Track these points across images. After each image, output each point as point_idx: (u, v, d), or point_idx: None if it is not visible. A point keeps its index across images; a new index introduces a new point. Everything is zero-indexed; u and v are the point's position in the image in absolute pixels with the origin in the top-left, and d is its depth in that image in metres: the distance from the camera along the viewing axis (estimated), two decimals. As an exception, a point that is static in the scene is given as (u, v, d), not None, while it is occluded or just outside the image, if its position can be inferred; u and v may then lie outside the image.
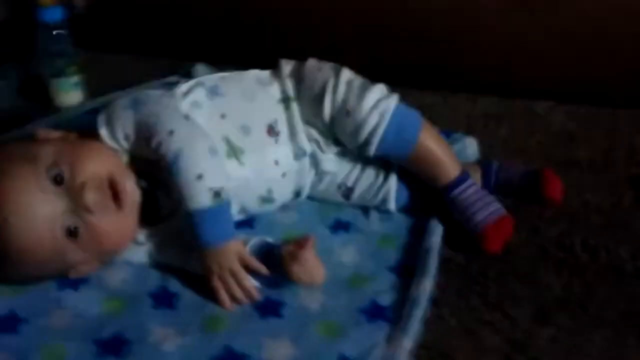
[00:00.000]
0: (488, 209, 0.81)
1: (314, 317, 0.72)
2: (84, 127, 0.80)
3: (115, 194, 0.72)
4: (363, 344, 0.68)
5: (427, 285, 0.74)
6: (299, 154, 0.84)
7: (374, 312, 0.72)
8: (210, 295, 0.73)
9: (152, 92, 0.81)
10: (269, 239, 0.77)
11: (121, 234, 0.74)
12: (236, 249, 0.73)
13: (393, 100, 0.82)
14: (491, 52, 1.18)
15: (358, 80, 0.84)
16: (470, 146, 0.99)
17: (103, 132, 0.76)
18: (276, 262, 0.73)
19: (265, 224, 0.85)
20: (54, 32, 1.08)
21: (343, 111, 0.81)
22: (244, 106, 0.83)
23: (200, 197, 0.71)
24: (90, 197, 0.70)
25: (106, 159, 0.74)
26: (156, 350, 0.68)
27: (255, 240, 0.76)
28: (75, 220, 0.70)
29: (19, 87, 1.17)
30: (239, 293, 0.72)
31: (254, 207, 0.83)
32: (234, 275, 0.72)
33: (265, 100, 0.84)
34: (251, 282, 0.73)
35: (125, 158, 0.77)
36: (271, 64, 0.89)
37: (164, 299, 0.74)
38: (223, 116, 0.81)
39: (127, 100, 0.77)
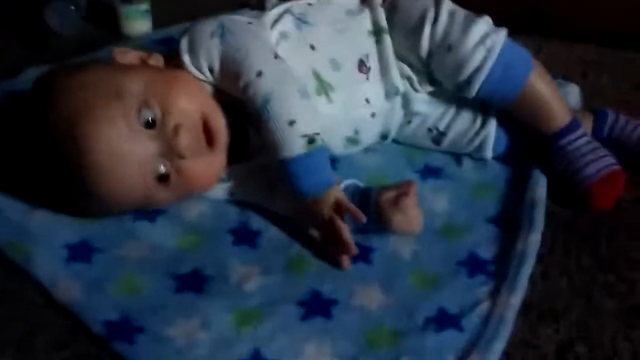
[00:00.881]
0: (600, 163, 0.73)
1: (407, 265, 0.66)
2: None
3: (208, 135, 0.66)
4: (464, 298, 0.62)
5: (534, 240, 0.67)
6: (390, 93, 0.76)
7: (473, 265, 0.66)
8: (295, 234, 0.68)
9: (240, 18, 0.73)
10: (360, 183, 0.71)
11: (211, 175, 0.69)
12: (334, 196, 0.66)
13: (501, 35, 0.73)
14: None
15: (461, 11, 0.75)
16: (573, 94, 0.89)
17: (186, 59, 0.69)
18: (370, 208, 0.66)
19: (347, 166, 0.78)
20: (126, -45, 1.02)
21: (444, 45, 0.73)
22: (334, 38, 0.76)
23: (293, 145, 0.65)
24: (184, 142, 0.64)
25: (197, 94, 0.68)
26: (237, 289, 0.63)
27: (347, 183, 0.70)
28: (166, 164, 0.65)
29: (87, 14, 1.11)
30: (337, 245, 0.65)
31: (338, 148, 0.77)
32: (332, 224, 0.65)
33: (356, 32, 0.77)
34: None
35: (209, 89, 0.71)
36: None
37: (245, 236, 0.69)
38: (312, 47, 0.74)
39: (212, 25, 0.70)
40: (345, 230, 0.64)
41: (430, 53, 0.74)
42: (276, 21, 0.74)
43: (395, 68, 0.76)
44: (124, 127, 0.63)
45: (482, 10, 0.77)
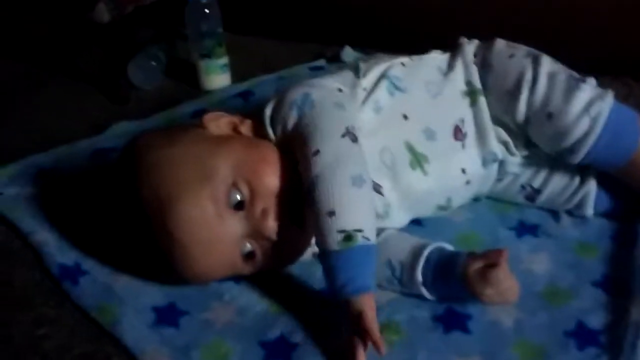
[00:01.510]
0: None
1: (509, 335, 0.61)
2: (233, 112, 0.73)
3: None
4: (576, 374, 0.57)
5: (651, 308, 0.61)
6: (487, 160, 0.72)
7: (583, 336, 0.60)
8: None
9: (330, 85, 0.69)
10: (448, 246, 0.67)
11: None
12: (360, 308, 0.58)
13: (608, 101, 0.68)
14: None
15: (563, 73, 0.70)
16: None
17: (268, 129, 0.67)
18: (458, 278, 0.62)
19: (434, 222, 0.74)
20: (205, 11, 1.04)
21: (544, 112, 0.68)
22: (428, 104, 0.72)
23: (328, 238, 0.59)
24: (272, 227, 0.63)
25: (284, 169, 0.65)
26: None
27: (432, 248, 0.66)
28: (253, 244, 0.64)
29: (167, 69, 1.14)
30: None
31: (426, 213, 0.73)
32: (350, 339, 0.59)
33: (450, 95, 0.73)
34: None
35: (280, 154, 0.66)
36: (422, 48, 0.78)
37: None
38: (405, 117, 0.70)
39: (297, 94, 0.67)
40: (361, 355, 0.58)
41: (527, 119, 0.70)
42: (372, 90, 0.71)
43: (492, 132, 0.71)
44: (213, 210, 0.62)
45: (574, 60, 0.73)
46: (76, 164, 0.89)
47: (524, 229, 0.74)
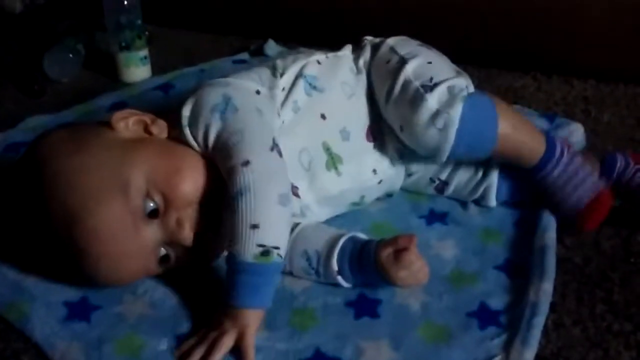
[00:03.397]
0: (582, 188, 0.71)
1: (416, 318, 0.64)
2: (152, 105, 0.72)
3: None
4: (476, 353, 0.60)
5: (546, 289, 0.65)
6: (394, 159, 0.75)
7: (485, 316, 0.64)
8: (299, 287, 0.66)
9: (249, 86, 0.69)
10: (362, 235, 0.69)
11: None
12: (247, 322, 0.59)
13: (456, 108, 0.67)
14: (587, 32, 1.06)
15: (418, 81, 0.69)
16: (576, 132, 0.88)
17: (186, 130, 0.65)
18: (371, 264, 0.64)
19: (351, 212, 0.76)
20: (124, 2, 1.03)
21: (396, 124, 0.71)
22: (343, 104, 0.73)
23: (246, 249, 0.59)
24: (187, 235, 0.62)
25: (199, 177, 0.64)
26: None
27: (347, 237, 0.67)
28: (168, 249, 0.63)
29: (85, 61, 1.11)
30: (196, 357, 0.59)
31: (340, 210, 0.75)
32: (217, 340, 0.60)
33: (361, 96, 0.75)
34: None
35: (198, 158, 0.65)
36: (344, 43, 0.79)
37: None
38: (324, 117, 0.71)
39: (217, 97, 0.65)
40: (220, 357, 0.59)
41: (390, 127, 0.73)
42: (290, 90, 0.71)
43: (392, 133, 0.73)
44: (128, 223, 0.61)
45: (478, 49, 0.75)
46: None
47: (434, 217, 0.77)
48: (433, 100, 0.68)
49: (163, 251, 0.63)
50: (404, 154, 0.75)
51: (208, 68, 1.08)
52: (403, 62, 0.72)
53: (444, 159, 0.70)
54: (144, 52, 1.07)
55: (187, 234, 0.62)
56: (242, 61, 1.11)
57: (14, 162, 0.75)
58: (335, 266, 0.66)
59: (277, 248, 0.60)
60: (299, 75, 0.72)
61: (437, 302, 0.65)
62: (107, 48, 1.09)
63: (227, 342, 0.59)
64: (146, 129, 0.67)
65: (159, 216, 0.62)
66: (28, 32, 1.13)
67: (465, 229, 0.75)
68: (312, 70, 0.73)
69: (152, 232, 0.62)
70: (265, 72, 0.72)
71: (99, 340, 0.61)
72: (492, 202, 0.77)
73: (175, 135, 0.66)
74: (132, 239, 0.61)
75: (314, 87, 0.72)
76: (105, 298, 0.65)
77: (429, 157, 0.71)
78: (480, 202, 0.78)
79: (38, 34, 1.12)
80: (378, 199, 0.78)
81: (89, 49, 1.13)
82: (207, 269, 0.68)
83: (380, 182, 0.74)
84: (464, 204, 0.79)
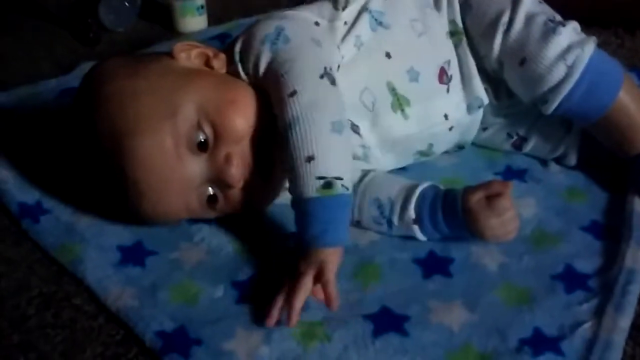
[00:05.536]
0: None
1: (494, 279, 0.58)
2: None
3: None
4: (563, 318, 0.54)
5: (644, 255, 0.58)
6: (473, 106, 0.68)
7: (571, 280, 0.58)
8: (362, 239, 0.61)
9: (306, 16, 0.64)
10: (439, 185, 0.63)
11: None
12: (324, 259, 0.55)
13: (588, 49, 0.62)
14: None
15: (543, 15, 0.64)
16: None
17: (238, 64, 0.62)
18: (457, 210, 0.59)
19: (418, 166, 0.71)
20: (182, -53, 0.98)
21: (517, 57, 0.64)
22: (412, 42, 0.67)
23: (306, 184, 0.55)
24: (236, 173, 0.58)
25: (252, 112, 0.60)
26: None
27: (424, 186, 0.62)
28: (215, 190, 0.60)
29: (141, 11, 1.08)
30: (279, 303, 0.55)
31: (406, 160, 0.70)
32: (297, 281, 0.55)
33: (436, 34, 0.68)
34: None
35: (252, 93, 0.61)
36: None
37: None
38: (388, 55, 0.65)
39: (269, 27, 0.61)
40: (300, 299, 0.54)
41: (501, 63, 0.65)
42: (353, 23, 0.66)
43: (478, 77, 0.67)
44: (172, 149, 0.57)
45: (560, 6, 0.68)
46: (40, 103, 0.84)
47: (511, 174, 0.70)
48: (566, 35, 0.63)
49: (210, 190, 0.59)
50: (489, 100, 0.68)
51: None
52: None
53: (554, 105, 0.63)
54: (201, 1, 1.03)
55: (235, 172, 0.58)
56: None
57: (69, 106, 0.73)
58: (412, 213, 0.61)
59: (339, 179, 0.55)
60: (363, 9, 0.67)
61: (516, 263, 0.60)
62: (162, -1, 1.06)
63: (306, 283, 0.55)
64: (207, 63, 0.63)
65: (208, 149, 0.58)
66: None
67: (546, 187, 0.68)
68: (377, 4, 0.67)
69: (198, 166, 0.58)
70: (326, 5, 0.67)
71: (153, 285, 0.58)
72: (573, 161, 0.70)
73: (233, 71, 0.63)
74: (176, 169, 0.57)
75: (380, 23, 0.66)
76: (161, 243, 0.62)
77: (536, 103, 0.65)
78: (560, 160, 0.71)
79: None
80: (447, 153, 0.72)
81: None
82: (265, 215, 0.64)
83: (451, 128, 0.68)
84: (543, 162, 0.72)
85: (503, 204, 0.57)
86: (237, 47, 0.62)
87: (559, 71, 0.62)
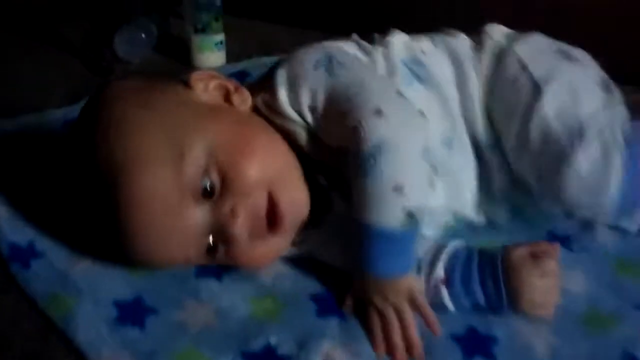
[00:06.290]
0: None
1: (542, 364, 0.51)
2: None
3: (272, 215, 0.53)
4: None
5: None
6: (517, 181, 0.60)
7: (632, 369, 0.50)
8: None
9: (348, 49, 0.59)
10: (468, 246, 0.56)
11: (266, 260, 0.56)
12: (410, 285, 0.53)
13: (613, 166, 0.54)
14: None
15: (560, 129, 0.55)
16: None
17: (282, 97, 0.55)
18: (495, 266, 0.53)
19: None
20: (204, -19, 0.94)
21: (532, 176, 0.57)
22: (451, 100, 0.60)
23: (389, 215, 0.50)
24: (240, 228, 0.52)
25: (273, 158, 0.54)
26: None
27: (457, 244, 0.56)
28: (216, 240, 0.53)
29: (157, 44, 1.04)
30: (399, 341, 0.52)
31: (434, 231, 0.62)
32: (399, 315, 0.52)
33: (475, 91, 0.60)
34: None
35: (303, 135, 0.56)
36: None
37: (332, 305, 0.55)
38: (422, 114, 0.57)
39: (316, 54, 0.56)
40: (414, 328, 0.52)
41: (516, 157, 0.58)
42: (389, 72, 0.60)
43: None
44: (174, 195, 0.51)
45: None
46: (44, 133, 0.78)
47: (555, 241, 0.63)
48: (584, 161, 0.54)
49: (210, 240, 0.53)
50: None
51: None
52: (538, 92, 0.57)
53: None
54: (220, 37, 0.99)
55: (239, 227, 0.52)
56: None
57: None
58: (441, 272, 0.54)
59: (420, 207, 0.51)
60: (399, 61, 0.61)
61: (568, 346, 0.52)
62: (180, 33, 1.01)
63: (410, 319, 0.52)
64: (227, 97, 0.57)
65: (213, 197, 0.52)
66: (100, 8, 1.06)
67: (594, 258, 0.61)
68: (411, 54, 0.62)
69: (200, 215, 0.52)
70: (359, 52, 0.61)
71: (153, 352, 0.51)
72: (634, 225, 0.61)
73: (265, 107, 0.56)
74: (175, 217, 0.51)
75: (417, 77, 0.60)
76: (163, 300, 0.55)
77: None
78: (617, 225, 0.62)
79: (110, 10, 1.06)
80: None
81: (162, 32, 1.06)
82: (279, 268, 0.58)
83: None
84: (587, 227, 0.65)
85: (549, 264, 0.51)
86: (280, 76, 0.56)
87: (582, 198, 0.56)
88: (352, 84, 0.53)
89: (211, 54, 0.99)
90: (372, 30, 1.03)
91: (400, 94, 0.55)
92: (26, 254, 0.59)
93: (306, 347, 0.51)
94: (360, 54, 0.60)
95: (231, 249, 0.53)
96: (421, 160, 0.51)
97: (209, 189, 0.51)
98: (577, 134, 0.55)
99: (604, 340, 0.53)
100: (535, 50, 0.61)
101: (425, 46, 0.63)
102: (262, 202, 0.53)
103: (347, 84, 0.53)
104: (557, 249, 0.53)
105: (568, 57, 0.61)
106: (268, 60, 0.98)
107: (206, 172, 0.51)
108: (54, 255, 0.59)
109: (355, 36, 0.63)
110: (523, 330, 0.53)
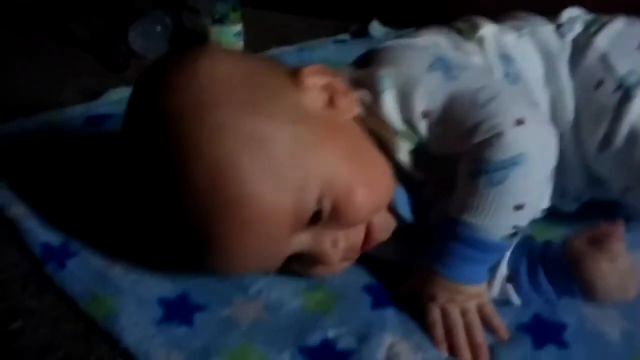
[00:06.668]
0: None
1: (617, 349, 0.48)
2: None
3: (364, 243, 0.51)
4: None
5: None
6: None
7: None
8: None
9: (458, 54, 0.54)
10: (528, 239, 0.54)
11: (342, 269, 0.53)
12: (481, 292, 0.51)
13: None
14: None
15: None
16: None
17: (389, 106, 0.49)
18: (558, 256, 0.50)
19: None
20: (222, -30, 0.92)
21: (617, 182, 0.54)
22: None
23: (497, 229, 0.47)
24: (336, 258, 0.50)
25: (381, 188, 0.50)
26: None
27: (518, 240, 0.52)
28: (307, 257, 0.50)
29: (171, 37, 1.01)
30: (464, 342, 0.49)
31: None
32: (465, 318, 0.50)
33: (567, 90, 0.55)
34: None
35: (401, 146, 0.51)
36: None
37: (384, 297, 0.53)
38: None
39: (425, 55, 0.51)
40: (480, 329, 0.49)
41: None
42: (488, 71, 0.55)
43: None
44: (288, 220, 0.46)
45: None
46: (65, 131, 0.75)
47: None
48: None
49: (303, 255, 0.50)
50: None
51: (308, 47, 0.97)
52: (626, 95, 0.52)
53: None
54: (238, 27, 0.96)
55: (336, 257, 0.49)
56: (343, 41, 0.99)
57: (96, 135, 0.64)
58: (504, 269, 0.51)
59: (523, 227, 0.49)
60: (494, 57, 0.55)
61: (641, 330, 0.50)
62: (194, 26, 0.98)
63: (476, 320, 0.50)
64: (331, 100, 0.50)
65: (318, 223, 0.48)
66: (112, 3, 1.04)
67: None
68: (506, 51, 0.56)
69: (302, 240, 0.48)
70: (452, 33, 0.57)
71: (205, 349, 0.48)
72: None
73: (365, 112, 0.51)
74: (278, 240, 0.47)
75: (507, 75, 0.55)
76: (210, 296, 0.52)
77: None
78: None
79: (123, 5, 1.03)
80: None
81: (177, 26, 1.03)
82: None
83: None
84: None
85: (615, 246, 0.48)
86: (386, 82, 0.50)
87: None
88: (481, 90, 0.48)
89: (229, 44, 0.96)
90: (388, 18, 1.03)
91: (533, 102, 0.51)
92: (60, 254, 0.56)
93: (367, 340, 0.48)
94: (457, 53, 0.54)
95: (316, 267, 0.51)
96: (547, 182, 0.49)
97: (317, 215, 0.48)
98: None
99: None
100: (620, 36, 0.56)
101: (513, 38, 0.57)
102: (361, 234, 0.50)
103: (475, 89, 0.48)
104: (619, 228, 0.50)
105: None
106: (289, 49, 0.97)
107: (319, 200, 0.47)
108: (89, 254, 0.56)
109: (445, 29, 0.57)
110: (591, 314, 0.50)
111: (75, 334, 0.50)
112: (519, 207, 0.47)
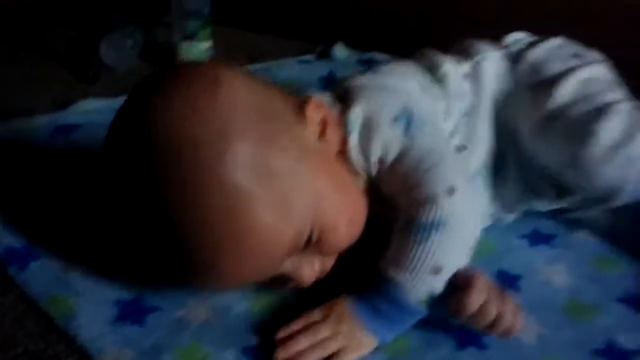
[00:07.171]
0: None
1: (533, 354, 0.53)
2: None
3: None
4: (613, 399, 0.49)
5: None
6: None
7: (614, 356, 0.53)
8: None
9: (426, 105, 0.57)
10: None
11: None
12: (365, 345, 0.52)
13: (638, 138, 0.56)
14: None
15: (581, 105, 0.58)
16: None
17: (354, 139, 0.54)
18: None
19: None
20: (193, -13, 0.96)
21: (554, 162, 0.60)
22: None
23: (415, 291, 0.50)
24: (309, 279, 0.53)
25: (361, 221, 0.54)
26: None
27: None
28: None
29: (142, 51, 1.04)
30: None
31: None
32: (325, 344, 0.52)
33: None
34: None
35: (362, 182, 0.56)
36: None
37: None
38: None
39: (396, 107, 0.54)
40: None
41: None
42: (447, 113, 0.60)
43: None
44: (280, 248, 0.50)
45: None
46: (34, 138, 0.78)
47: (539, 239, 0.66)
48: (607, 131, 0.56)
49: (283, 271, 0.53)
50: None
51: (275, 66, 1.01)
52: (555, 82, 0.59)
53: (621, 202, 0.59)
54: (208, 44, 1.00)
55: (312, 279, 0.53)
56: (308, 62, 1.04)
57: (64, 144, 0.67)
58: None
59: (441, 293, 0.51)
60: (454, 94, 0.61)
61: (555, 335, 0.55)
62: (165, 40, 1.02)
63: (333, 347, 0.51)
64: (322, 133, 0.53)
65: (304, 250, 0.52)
66: (85, 16, 1.07)
67: (575, 253, 0.64)
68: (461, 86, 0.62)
69: (288, 263, 0.52)
70: (419, 72, 0.62)
71: (155, 347, 0.52)
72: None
73: (341, 145, 0.55)
74: (267, 265, 0.51)
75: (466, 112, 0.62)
76: (165, 299, 0.56)
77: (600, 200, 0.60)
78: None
79: (96, 17, 1.06)
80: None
81: (148, 40, 1.07)
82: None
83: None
84: (570, 227, 0.68)
85: (470, 299, 0.50)
86: (355, 120, 0.54)
87: (609, 173, 0.57)
88: (429, 153, 0.52)
89: (198, 60, 1.00)
90: (355, 40, 1.08)
91: (469, 174, 0.56)
92: (23, 257, 0.59)
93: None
94: (433, 102, 0.59)
95: (288, 284, 0.54)
96: (468, 251, 0.51)
97: (303, 244, 0.51)
98: (600, 111, 0.57)
99: (587, 328, 0.56)
100: (553, 52, 0.63)
101: (468, 68, 0.63)
102: (334, 259, 0.54)
103: (424, 152, 0.52)
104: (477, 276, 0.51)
105: (581, 60, 0.62)
106: (256, 67, 1.01)
107: (311, 230, 0.50)
108: (51, 258, 0.59)
109: (414, 67, 0.62)
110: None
111: (35, 332, 0.53)
112: (437, 270, 0.50)
